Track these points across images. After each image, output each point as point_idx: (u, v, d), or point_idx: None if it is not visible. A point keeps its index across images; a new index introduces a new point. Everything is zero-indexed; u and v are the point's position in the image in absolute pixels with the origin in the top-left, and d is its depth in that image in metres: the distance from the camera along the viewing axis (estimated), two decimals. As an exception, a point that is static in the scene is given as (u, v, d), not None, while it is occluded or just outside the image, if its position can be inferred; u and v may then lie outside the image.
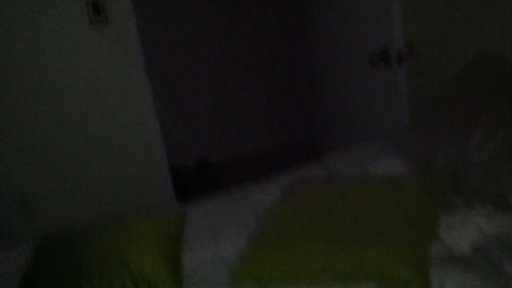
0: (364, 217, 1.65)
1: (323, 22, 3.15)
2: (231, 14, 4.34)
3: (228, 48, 4.42)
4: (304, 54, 3.87)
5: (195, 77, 4.39)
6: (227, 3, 4.31)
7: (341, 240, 1.56)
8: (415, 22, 2.48)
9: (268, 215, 1.85)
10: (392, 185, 1.84)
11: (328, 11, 3.05)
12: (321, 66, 3.38)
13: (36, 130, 2.97)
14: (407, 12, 2.48)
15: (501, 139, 1.73)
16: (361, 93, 2.90)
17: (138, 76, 3.04)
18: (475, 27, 2.21)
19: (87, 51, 2.92)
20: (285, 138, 4.71)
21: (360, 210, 1.69)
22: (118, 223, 1.86)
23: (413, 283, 1.44)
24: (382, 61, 2.53)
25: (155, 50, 4.06)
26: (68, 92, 2.96)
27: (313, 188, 1.93)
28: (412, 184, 1.83)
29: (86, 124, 3.04)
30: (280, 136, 4.72)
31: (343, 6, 2.84)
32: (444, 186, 1.80)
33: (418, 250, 1.51)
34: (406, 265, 1.46)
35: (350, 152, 2.28)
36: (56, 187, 3.10)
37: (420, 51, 2.51)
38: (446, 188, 1.81)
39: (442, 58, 2.41)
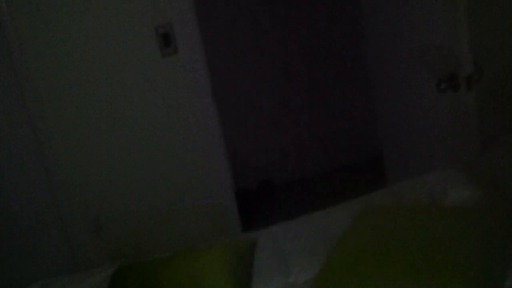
0: (437, 248, 1.62)
1: (389, 44, 3.14)
2: (290, 36, 4.38)
3: (289, 67, 4.45)
4: (368, 74, 3.86)
5: (257, 98, 4.44)
6: (285, 23, 4.35)
7: (414, 272, 1.55)
8: (484, 43, 2.43)
9: (339, 246, 1.85)
10: (465, 215, 1.81)
11: (393, 30, 3.03)
12: (387, 88, 3.36)
13: (110, 157, 3.08)
14: (475, 32, 2.43)
15: None
16: (429, 118, 2.86)
17: (206, 103, 3.11)
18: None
19: (157, 82, 3.02)
20: (349, 160, 4.68)
21: (433, 241, 1.66)
22: (192, 251, 1.90)
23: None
24: (450, 88, 2.49)
25: (216, 73, 4.14)
26: (140, 123, 3.06)
27: (384, 218, 1.92)
28: (485, 214, 1.80)
29: (158, 154, 3.13)
30: (344, 158, 4.69)
31: (407, 26, 2.82)
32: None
33: (493, 284, 1.49)
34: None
35: (421, 180, 2.26)
36: (127, 209, 3.19)
37: (489, 74, 2.46)
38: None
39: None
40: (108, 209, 3.15)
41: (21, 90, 2.86)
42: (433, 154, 2.89)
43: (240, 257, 1.87)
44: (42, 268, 2.96)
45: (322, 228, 2.11)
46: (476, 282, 1.47)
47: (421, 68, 2.75)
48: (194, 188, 3.27)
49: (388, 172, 3.54)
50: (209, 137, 3.19)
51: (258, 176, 4.51)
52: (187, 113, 3.11)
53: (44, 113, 2.93)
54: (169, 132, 3.13)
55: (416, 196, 2.15)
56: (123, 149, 3.09)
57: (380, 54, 3.27)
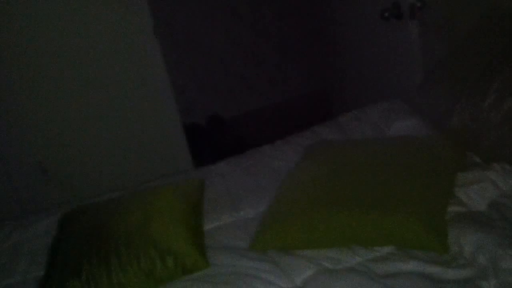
0: (382, 182, 1.67)
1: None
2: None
3: (235, 1, 4.37)
4: (315, 6, 3.82)
5: (204, 33, 4.36)
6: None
7: (361, 207, 1.59)
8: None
9: (287, 181, 1.87)
10: (408, 146, 1.86)
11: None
12: (333, 19, 3.34)
13: (52, 96, 2.99)
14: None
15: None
16: (373, 48, 2.88)
17: (148, 38, 3.02)
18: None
19: (96, 16, 2.90)
20: (297, 92, 4.70)
21: (378, 174, 1.71)
22: (141, 196, 1.89)
23: (433, 248, 1.48)
24: (394, 16, 2.50)
25: (161, 8, 4.02)
26: (82, 57, 2.96)
27: (330, 153, 1.95)
28: (429, 144, 1.85)
29: (100, 89, 3.05)
30: (291, 90, 4.71)
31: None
32: (461, 146, 1.82)
33: (436, 214, 1.54)
34: (425, 231, 1.49)
35: (365, 112, 2.29)
36: (73, 153, 3.14)
37: (432, 5, 2.47)
38: (463, 147, 1.82)
39: (454, 12, 2.37)
40: (54, 153, 3.09)
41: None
42: (377, 85, 2.93)
43: (187, 199, 1.87)
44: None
45: (270, 163, 2.13)
46: (422, 215, 1.52)
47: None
48: (142, 125, 3.23)
49: (335, 104, 3.58)
50: (153, 73, 3.13)
51: (207, 112, 4.49)
52: (128, 48, 3.02)
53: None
54: (112, 68, 3.04)
55: (361, 127, 2.18)
56: (65, 88, 2.99)
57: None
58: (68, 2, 2.85)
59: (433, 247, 1.48)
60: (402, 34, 2.55)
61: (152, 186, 2.08)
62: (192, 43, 4.36)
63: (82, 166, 3.16)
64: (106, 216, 1.80)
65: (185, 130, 3.39)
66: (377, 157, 1.81)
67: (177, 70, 4.17)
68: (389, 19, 2.52)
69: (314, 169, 1.86)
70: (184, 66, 4.36)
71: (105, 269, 1.60)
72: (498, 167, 1.71)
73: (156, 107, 3.21)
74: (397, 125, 2.11)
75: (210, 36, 4.38)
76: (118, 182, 2.94)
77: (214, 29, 4.38)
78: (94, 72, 3.01)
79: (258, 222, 1.76)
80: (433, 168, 1.70)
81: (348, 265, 1.53)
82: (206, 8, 4.30)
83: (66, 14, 2.87)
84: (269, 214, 1.75)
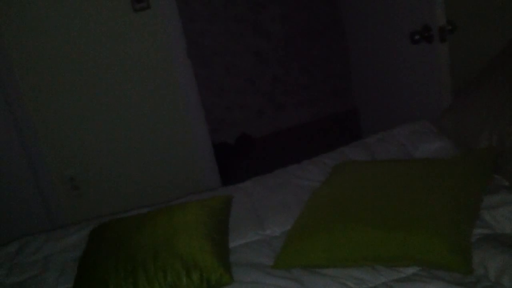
0: (407, 201, 1.67)
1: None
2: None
3: (263, 22, 4.43)
4: (342, 28, 3.85)
5: (232, 52, 4.42)
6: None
7: (385, 226, 1.59)
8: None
9: (312, 199, 1.89)
10: (435, 167, 1.86)
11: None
12: (361, 41, 3.37)
13: (84, 114, 3.07)
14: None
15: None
16: (402, 69, 2.88)
17: (181, 58, 3.09)
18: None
19: (130, 37, 2.98)
20: (325, 113, 4.72)
21: (403, 194, 1.71)
22: (168, 211, 1.92)
23: (457, 269, 1.47)
24: (424, 39, 2.51)
25: (190, 28, 4.10)
26: (113, 78, 3.04)
27: (356, 172, 1.96)
28: (455, 166, 1.84)
29: (131, 108, 3.12)
30: (319, 111, 4.73)
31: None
32: (488, 168, 1.81)
33: (461, 235, 1.54)
34: (450, 252, 1.49)
35: (392, 133, 2.29)
36: (104, 169, 3.20)
37: (462, 28, 2.48)
38: (490, 169, 1.82)
39: (484, 35, 2.38)
40: (85, 169, 3.16)
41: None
42: (406, 106, 2.93)
43: (214, 214, 1.90)
44: (17, 229, 2.97)
45: (296, 182, 2.15)
46: (447, 236, 1.52)
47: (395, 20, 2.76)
48: (172, 143, 3.28)
49: (363, 124, 3.58)
50: (185, 94, 3.19)
51: (236, 131, 4.54)
52: (162, 70, 3.09)
53: (15, 73, 2.89)
54: (144, 89, 3.12)
55: (388, 148, 2.19)
56: (98, 107, 3.07)
57: (355, 8, 3.26)
58: (106, 27, 2.94)
59: (457, 268, 1.47)
60: (431, 56, 2.55)
61: (179, 202, 2.12)
62: (220, 62, 4.43)
63: (113, 182, 3.22)
64: (134, 230, 1.83)
65: (214, 149, 3.43)
66: (403, 177, 1.81)
67: (206, 89, 4.23)
68: (419, 42, 2.52)
69: (339, 187, 1.87)
70: (212, 85, 4.42)
71: (132, 282, 1.63)
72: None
73: (186, 126, 3.27)
74: (424, 147, 2.11)
75: (238, 55, 4.45)
76: (147, 199, 3.00)
77: (242, 48, 4.44)
78: (129, 91, 3.09)
79: (283, 240, 1.78)
80: (459, 189, 1.70)
81: (372, 285, 1.54)
82: (234, 27, 4.37)
83: (103, 37, 2.95)
84: (293, 232, 1.76)
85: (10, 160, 3.07)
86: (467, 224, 1.59)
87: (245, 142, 4.48)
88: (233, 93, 4.54)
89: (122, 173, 3.22)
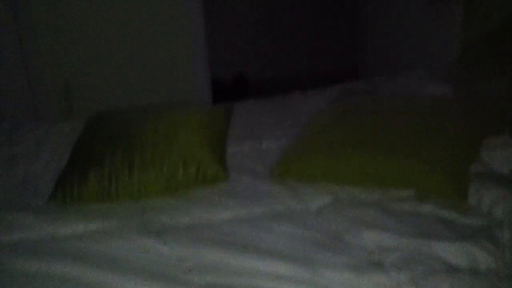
0: (410, 132, 1.68)
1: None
2: None
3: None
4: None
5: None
6: None
7: (384, 150, 1.61)
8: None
9: (315, 120, 1.90)
10: (440, 105, 1.87)
11: None
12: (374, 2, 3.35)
13: (87, 29, 3.03)
14: None
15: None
16: (412, 25, 2.88)
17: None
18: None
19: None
20: (327, 65, 4.69)
21: (406, 125, 1.72)
22: (171, 110, 1.92)
23: (452, 195, 1.50)
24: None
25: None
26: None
27: (361, 100, 1.97)
28: (460, 107, 1.86)
29: (135, 32, 3.09)
30: (321, 62, 4.70)
31: None
32: (491, 113, 1.83)
33: (459, 165, 1.56)
34: (446, 178, 1.51)
35: (401, 75, 2.30)
36: (99, 77, 3.17)
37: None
38: (493, 115, 1.84)
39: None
40: (80, 77, 3.13)
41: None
42: (414, 62, 2.93)
43: (215, 119, 1.91)
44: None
45: (297, 105, 2.15)
46: (445, 165, 1.54)
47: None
48: (169, 70, 3.26)
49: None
50: (190, 24, 3.16)
51: (233, 70, 4.51)
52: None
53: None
54: (150, 15, 3.08)
55: (394, 87, 2.20)
56: (101, 21, 3.03)
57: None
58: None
59: (452, 194, 1.49)
60: (445, 17, 2.55)
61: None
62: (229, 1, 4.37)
63: (106, 92, 3.19)
64: (134, 121, 1.83)
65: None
66: (408, 109, 1.82)
67: (209, 25, 4.18)
68: (434, 2, 2.52)
69: (342, 113, 1.88)
70: (217, 22, 4.36)
71: (128, 165, 1.63)
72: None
73: (187, 56, 3.24)
74: (429, 90, 2.12)
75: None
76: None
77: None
78: (133, 14, 3.05)
79: (279, 154, 1.79)
80: (462, 127, 1.72)
81: (365, 200, 1.56)
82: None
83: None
84: (293, 145, 1.77)
85: (8, 62, 3.03)
86: (466, 157, 1.61)
87: (241, 82, 4.46)
88: (235, 33, 4.49)
89: (117, 97, 3.19)
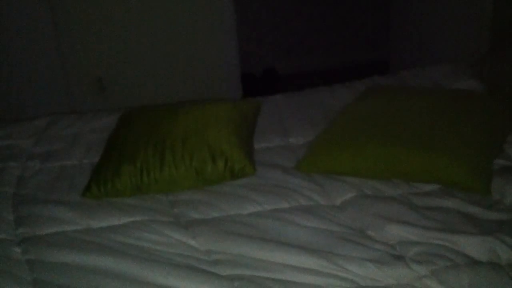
0: (435, 126, 1.70)
1: None
2: None
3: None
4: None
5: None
6: None
7: (410, 143, 1.63)
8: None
9: (341, 115, 1.92)
10: (467, 99, 1.88)
11: None
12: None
13: (119, 22, 3.10)
14: None
15: None
16: (442, 17, 2.87)
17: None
18: None
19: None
20: (357, 59, 4.69)
21: (432, 118, 1.74)
22: (201, 105, 1.96)
23: (476, 190, 1.52)
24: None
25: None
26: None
27: (387, 94, 1.99)
28: (487, 101, 1.87)
29: (168, 27, 3.14)
30: (351, 56, 4.70)
31: None
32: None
33: (483, 160, 1.58)
34: (470, 173, 1.53)
35: (428, 70, 2.30)
36: (132, 72, 3.24)
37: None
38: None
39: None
40: (113, 71, 3.21)
41: None
42: (445, 56, 2.92)
43: (244, 114, 1.95)
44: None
45: (325, 100, 2.18)
46: (469, 159, 1.56)
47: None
48: (200, 62, 3.30)
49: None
50: (222, 18, 3.20)
51: (264, 64, 4.54)
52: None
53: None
54: (182, 11, 3.13)
55: (421, 82, 2.20)
56: (132, 16, 3.09)
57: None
58: None
59: (475, 189, 1.51)
60: (474, 4, 2.54)
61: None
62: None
63: (138, 87, 3.26)
64: (165, 117, 1.88)
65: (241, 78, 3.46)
66: (434, 103, 1.83)
67: (241, 20, 4.22)
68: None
69: (369, 106, 1.91)
70: (247, 16, 4.39)
71: (159, 161, 1.68)
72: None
73: (218, 50, 3.29)
74: (459, 84, 2.12)
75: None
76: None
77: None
78: (164, 8, 3.10)
79: (307, 148, 1.82)
80: (487, 121, 1.73)
81: (389, 195, 1.58)
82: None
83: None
84: (319, 140, 1.81)
85: (44, 54, 3.12)
86: (490, 152, 1.63)
87: (272, 76, 4.49)
88: (265, 28, 4.52)
89: (149, 92, 3.26)
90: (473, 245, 1.32)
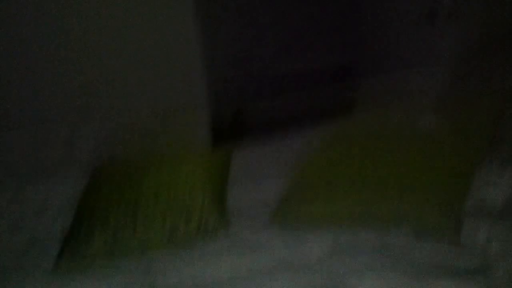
0: (403, 169, 1.73)
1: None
2: None
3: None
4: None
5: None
6: None
7: (381, 188, 1.66)
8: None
9: (312, 162, 1.94)
10: (432, 139, 1.92)
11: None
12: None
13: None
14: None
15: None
16: (404, 49, 2.94)
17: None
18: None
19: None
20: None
21: (399, 162, 1.77)
22: (171, 158, 1.96)
23: (447, 233, 1.54)
24: (429, 19, 2.56)
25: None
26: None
27: (354, 139, 2.02)
28: (451, 140, 1.91)
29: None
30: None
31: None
32: (482, 146, 1.88)
33: (453, 201, 1.61)
34: (441, 217, 1.56)
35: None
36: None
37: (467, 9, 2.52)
38: (484, 148, 1.88)
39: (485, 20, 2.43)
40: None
41: None
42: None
43: (215, 166, 1.94)
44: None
45: (293, 146, 2.18)
46: (440, 201, 1.60)
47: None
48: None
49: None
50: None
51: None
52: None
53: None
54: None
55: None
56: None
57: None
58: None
59: (447, 232, 1.53)
60: (435, 36, 2.60)
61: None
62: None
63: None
64: (135, 176, 1.86)
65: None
66: (399, 146, 1.86)
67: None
68: (424, 23, 2.57)
69: (336, 152, 1.93)
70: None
71: (131, 220, 1.67)
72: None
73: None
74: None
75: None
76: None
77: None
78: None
79: (280, 197, 1.83)
80: (454, 162, 1.76)
81: (364, 241, 1.59)
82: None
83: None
84: (291, 189, 1.82)
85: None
86: (460, 193, 1.65)
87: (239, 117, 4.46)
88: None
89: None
90: (448, 290, 1.33)
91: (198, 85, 3.23)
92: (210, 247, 1.65)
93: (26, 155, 3.07)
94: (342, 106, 2.61)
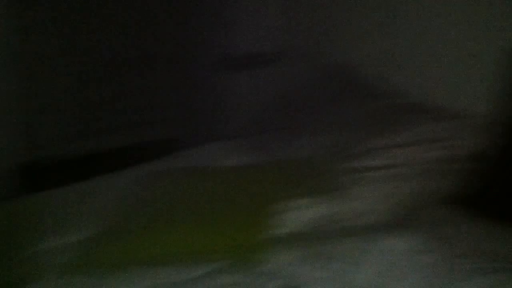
0: (214, 204, 1.87)
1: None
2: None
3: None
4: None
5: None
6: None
7: (192, 226, 1.75)
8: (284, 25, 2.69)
9: (125, 204, 1.96)
10: (239, 175, 2.05)
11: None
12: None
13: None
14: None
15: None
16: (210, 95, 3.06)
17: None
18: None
19: None
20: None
21: (210, 198, 1.91)
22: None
23: (252, 262, 1.60)
24: (230, 67, 2.70)
25: None
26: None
27: (165, 180, 2.08)
28: (255, 174, 2.05)
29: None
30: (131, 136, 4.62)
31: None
32: (282, 178, 2.03)
33: (256, 232, 1.72)
34: (247, 246, 1.64)
35: (205, 148, 2.50)
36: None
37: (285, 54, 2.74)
38: (285, 180, 2.03)
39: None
40: None
41: None
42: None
43: (14, 220, 1.87)
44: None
45: (100, 192, 2.15)
46: (246, 232, 1.71)
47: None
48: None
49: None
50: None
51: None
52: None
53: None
54: None
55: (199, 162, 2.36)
56: None
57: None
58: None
59: (252, 261, 1.59)
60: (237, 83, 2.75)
61: None
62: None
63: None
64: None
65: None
66: (209, 183, 2.02)
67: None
68: (223, 70, 2.71)
69: (148, 194, 2.01)
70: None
71: None
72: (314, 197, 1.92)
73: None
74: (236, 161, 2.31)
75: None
76: None
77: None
78: None
79: (89, 242, 1.77)
80: (258, 193, 1.93)
81: (185, 280, 1.55)
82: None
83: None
84: (102, 233, 1.79)
85: None
86: (260, 222, 1.76)
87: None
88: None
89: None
90: None
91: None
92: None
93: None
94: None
